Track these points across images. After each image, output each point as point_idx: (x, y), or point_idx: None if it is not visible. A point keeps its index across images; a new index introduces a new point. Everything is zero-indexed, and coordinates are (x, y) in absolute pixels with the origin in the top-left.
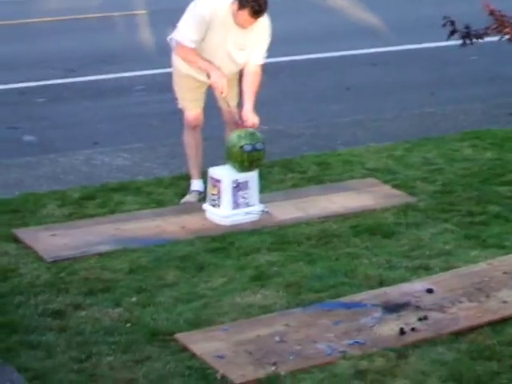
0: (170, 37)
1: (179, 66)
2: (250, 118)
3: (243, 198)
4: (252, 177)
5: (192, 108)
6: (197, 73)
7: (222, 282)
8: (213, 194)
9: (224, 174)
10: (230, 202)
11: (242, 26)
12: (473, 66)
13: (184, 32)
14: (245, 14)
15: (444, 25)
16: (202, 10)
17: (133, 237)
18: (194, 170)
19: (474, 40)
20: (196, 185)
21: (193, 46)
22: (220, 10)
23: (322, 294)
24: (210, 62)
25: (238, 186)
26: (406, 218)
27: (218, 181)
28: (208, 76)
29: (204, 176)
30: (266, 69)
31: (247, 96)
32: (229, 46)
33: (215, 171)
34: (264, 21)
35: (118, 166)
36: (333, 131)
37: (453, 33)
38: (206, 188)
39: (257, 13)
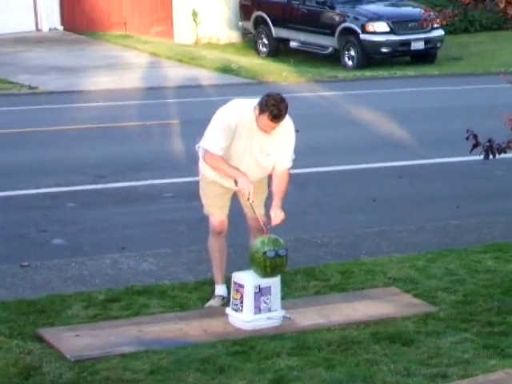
0: (197, 145)
1: (206, 172)
2: (277, 214)
3: (265, 303)
4: (274, 282)
5: (217, 214)
6: (223, 179)
7: None
8: (235, 299)
9: (247, 278)
10: (252, 306)
11: (264, 130)
12: (499, 180)
13: (211, 140)
14: (265, 118)
15: (467, 138)
16: (228, 117)
17: (155, 339)
18: (218, 275)
19: (497, 154)
20: (220, 290)
21: (220, 153)
22: (245, 117)
23: None
24: (237, 168)
25: (261, 291)
26: (425, 327)
27: (241, 286)
28: (235, 183)
29: (228, 281)
30: (293, 179)
31: (275, 193)
32: (255, 152)
33: (238, 276)
34: (288, 124)
35: (144, 270)
36: (357, 241)
37: (475, 146)
38: (229, 293)
39: (276, 117)
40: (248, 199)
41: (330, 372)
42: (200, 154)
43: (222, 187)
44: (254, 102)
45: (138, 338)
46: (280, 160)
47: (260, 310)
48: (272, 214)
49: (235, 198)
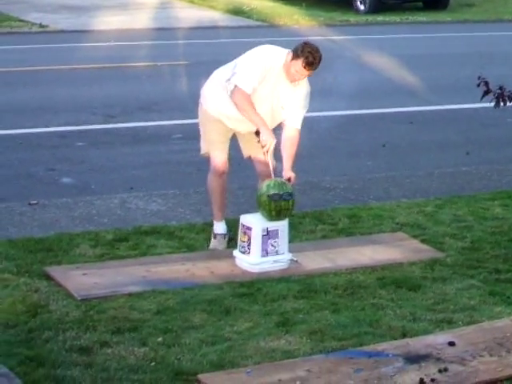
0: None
1: (209, 110)
2: (292, 178)
3: (273, 246)
4: (282, 226)
5: (219, 153)
6: (227, 119)
7: (248, 327)
8: (243, 241)
9: (254, 221)
10: (260, 249)
11: (291, 78)
12: (509, 127)
13: (244, 76)
14: (298, 64)
15: (478, 85)
16: (263, 57)
17: (162, 279)
18: (218, 213)
19: (508, 102)
20: (220, 227)
21: (250, 91)
22: (277, 62)
23: (344, 342)
24: (261, 117)
25: (268, 234)
26: (432, 273)
27: (249, 228)
28: (257, 131)
29: (237, 223)
30: (304, 122)
31: (288, 157)
32: (274, 101)
33: (246, 219)
34: (307, 86)
35: (152, 210)
36: (366, 186)
37: (486, 93)
38: (228, 232)
39: (309, 64)
40: (266, 152)
41: (336, 315)
42: (202, 93)
43: (225, 126)
44: (286, 50)
45: (145, 278)
46: (292, 117)
47: (267, 253)
48: (286, 176)
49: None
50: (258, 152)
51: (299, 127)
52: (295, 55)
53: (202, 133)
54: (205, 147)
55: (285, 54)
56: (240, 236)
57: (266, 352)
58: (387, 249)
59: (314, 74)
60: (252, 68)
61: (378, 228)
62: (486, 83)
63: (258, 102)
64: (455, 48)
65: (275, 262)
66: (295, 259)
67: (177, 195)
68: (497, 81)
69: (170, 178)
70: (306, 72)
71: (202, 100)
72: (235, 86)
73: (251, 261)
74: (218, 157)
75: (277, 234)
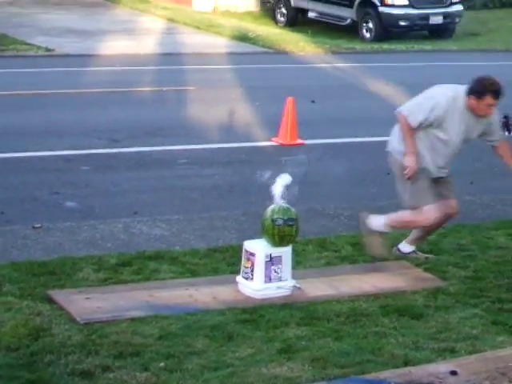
0: (398, 110)
1: (422, 160)
2: None
3: (276, 272)
4: (286, 252)
5: (433, 201)
6: (431, 165)
7: (250, 353)
8: (246, 267)
9: (258, 247)
10: (263, 275)
11: (484, 113)
12: None
13: (415, 109)
14: (488, 100)
15: None
16: (442, 97)
17: (165, 304)
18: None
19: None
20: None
21: (415, 125)
22: (458, 102)
23: (347, 369)
24: (414, 145)
25: (272, 261)
26: (435, 301)
27: (252, 254)
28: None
29: (240, 249)
30: (309, 150)
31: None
32: (461, 136)
33: (250, 245)
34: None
35: (156, 235)
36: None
37: None
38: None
39: (498, 94)
40: (406, 176)
41: (338, 343)
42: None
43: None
44: (459, 89)
45: (148, 302)
46: (496, 138)
47: (270, 279)
48: None
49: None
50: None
51: (501, 138)
52: (479, 95)
53: (405, 187)
54: (416, 201)
55: (460, 94)
56: (243, 262)
57: (268, 379)
58: (390, 277)
59: (319, 101)
60: (423, 105)
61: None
62: None
63: (448, 139)
64: (460, 77)
65: (278, 288)
66: (298, 286)
67: (181, 220)
68: (502, 109)
69: (174, 203)
70: (497, 101)
71: (398, 156)
72: (405, 114)
73: (254, 287)
74: (435, 206)
75: (280, 260)
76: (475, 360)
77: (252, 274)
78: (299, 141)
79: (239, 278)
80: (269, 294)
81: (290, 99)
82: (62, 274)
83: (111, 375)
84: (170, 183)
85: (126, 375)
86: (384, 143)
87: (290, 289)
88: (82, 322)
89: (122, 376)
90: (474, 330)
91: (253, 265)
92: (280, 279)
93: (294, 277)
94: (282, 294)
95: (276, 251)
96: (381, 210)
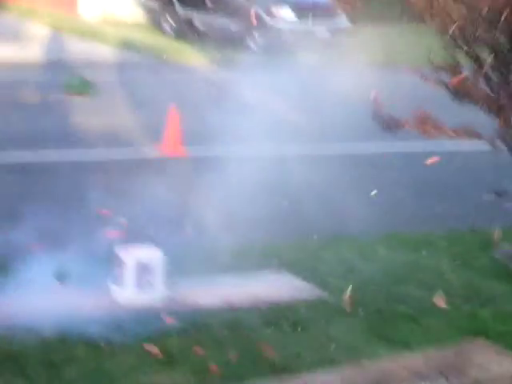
0: None
1: None
2: None
3: (147, 280)
4: (157, 259)
5: None
6: None
7: (131, 361)
8: (117, 274)
9: (129, 254)
10: (133, 282)
11: None
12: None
13: None
14: None
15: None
16: None
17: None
18: None
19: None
20: None
21: None
22: None
23: (228, 381)
24: None
25: (143, 268)
26: (316, 312)
27: (123, 261)
28: None
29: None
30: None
31: None
32: None
33: (120, 251)
34: None
35: None
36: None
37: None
38: None
39: None
40: None
41: (220, 353)
42: None
43: None
44: None
45: None
46: None
47: (141, 287)
48: None
49: None
50: None
51: None
52: None
53: None
54: None
55: None
56: (115, 268)
57: None
58: (271, 287)
59: (204, 111)
60: None
61: (263, 265)
62: None
63: None
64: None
65: (149, 296)
66: (171, 295)
67: None
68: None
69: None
70: None
71: None
72: None
73: (124, 294)
74: None
75: (151, 268)
76: (353, 370)
77: (122, 281)
78: (183, 151)
79: (111, 285)
80: (139, 302)
81: (173, 108)
82: None
83: None
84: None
85: None
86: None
87: (162, 297)
88: None
89: None
90: (354, 340)
91: (123, 271)
92: (151, 287)
93: (172, 285)
94: (154, 304)
95: (146, 258)
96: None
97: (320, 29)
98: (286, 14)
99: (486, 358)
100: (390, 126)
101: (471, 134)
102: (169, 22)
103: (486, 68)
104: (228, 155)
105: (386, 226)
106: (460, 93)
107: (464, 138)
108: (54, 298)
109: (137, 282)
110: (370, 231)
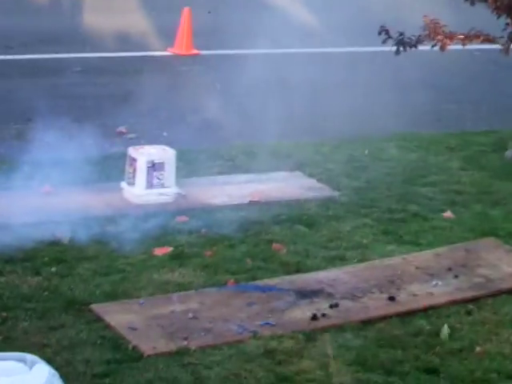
0: None
1: None
2: None
3: (158, 178)
4: (168, 159)
5: None
6: None
7: (142, 259)
8: (129, 172)
9: (140, 153)
10: (145, 181)
11: None
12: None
13: None
14: None
15: (379, 33)
16: None
17: (57, 210)
18: None
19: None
20: None
21: None
22: None
23: (238, 276)
24: None
25: (154, 167)
26: (327, 211)
27: (135, 160)
28: None
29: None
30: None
31: None
32: None
33: (133, 150)
34: None
35: (49, 142)
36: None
37: (386, 40)
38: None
39: None
40: None
41: (230, 250)
42: None
43: None
44: None
45: (41, 208)
46: None
47: (152, 185)
48: None
49: None
50: None
51: None
52: None
53: None
54: None
55: None
56: (127, 167)
57: (160, 284)
58: (284, 186)
59: (213, 14)
60: None
61: (276, 166)
62: (387, 31)
63: None
64: None
65: (160, 194)
66: (183, 193)
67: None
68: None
69: (68, 110)
70: None
71: None
72: None
73: (135, 192)
74: None
75: (163, 166)
76: (364, 268)
77: (134, 180)
78: (195, 51)
79: (123, 184)
80: (150, 200)
81: (186, 9)
82: None
83: (2, 279)
84: (64, 91)
85: (17, 279)
86: (284, 54)
87: (173, 196)
88: None
89: (13, 280)
90: (364, 239)
91: (135, 170)
92: (163, 186)
93: (185, 185)
94: (165, 201)
95: (158, 158)
96: (274, 121)
97: None
98: None
99: (495, 257)
100: (409, 45)
101: (484, 38)
102: None
103: None
104: (241, 54)
105: (400, 126)
106: None
107: (476, 42)
108: (66, 197)
109: (148, 180)
110: (384, 131)
